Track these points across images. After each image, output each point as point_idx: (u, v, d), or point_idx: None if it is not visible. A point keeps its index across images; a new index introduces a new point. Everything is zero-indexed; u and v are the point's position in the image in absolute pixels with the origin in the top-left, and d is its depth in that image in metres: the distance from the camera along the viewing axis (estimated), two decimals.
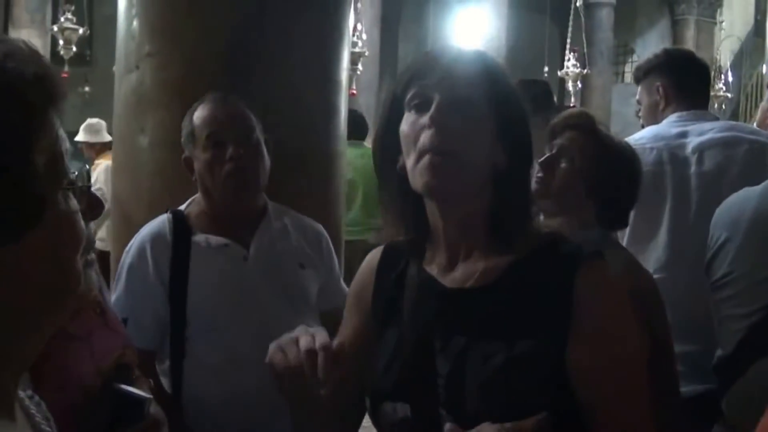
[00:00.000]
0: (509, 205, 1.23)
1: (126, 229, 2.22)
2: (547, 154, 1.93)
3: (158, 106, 2.24)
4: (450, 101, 1.17)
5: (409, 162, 1.19)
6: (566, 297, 1.16)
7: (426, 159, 1.16)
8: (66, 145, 0.74)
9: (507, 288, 1.20)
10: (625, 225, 2.10)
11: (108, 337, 1.42)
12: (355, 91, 10.81)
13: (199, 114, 1.95)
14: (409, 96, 1.21)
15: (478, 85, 1.20)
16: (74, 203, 0.73)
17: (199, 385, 1.90)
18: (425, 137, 1.16)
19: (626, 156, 1.98)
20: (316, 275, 2.06)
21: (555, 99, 3.51)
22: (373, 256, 1.38)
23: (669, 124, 2.58)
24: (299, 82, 2.29)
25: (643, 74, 2.78)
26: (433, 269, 1.26)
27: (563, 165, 1.91)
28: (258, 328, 1.81)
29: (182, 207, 2.02)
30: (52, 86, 0.71)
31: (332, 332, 1.20)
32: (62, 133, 0.73)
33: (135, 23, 2.34)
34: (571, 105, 11.64)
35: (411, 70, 1.25)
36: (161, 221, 1.98)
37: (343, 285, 2.15)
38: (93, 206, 1.02)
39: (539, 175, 1.90)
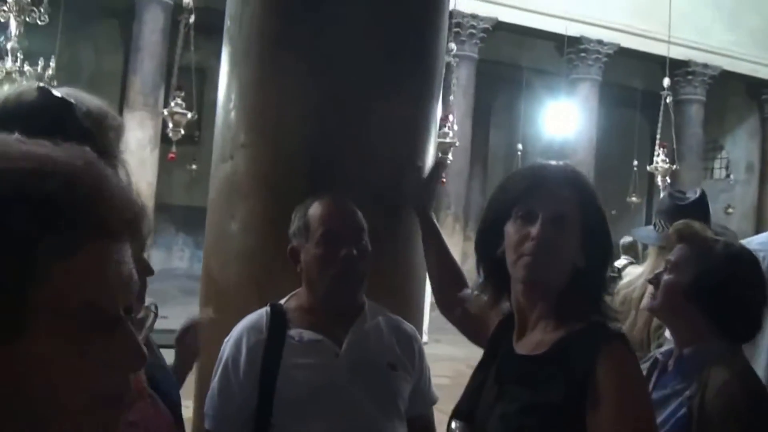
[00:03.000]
0: (578, 296, 1.54)
1: (214, 303, 2.35)
2: (657, 271, 2.04)
3: (249, 195, 2.35)
4: (551, 219, 1.51)
5: (511, 256, 1.55)
6: (589, 373, 1.41)
7: (526, 260, 1.51)
8: (129, 269, 0.72)
9: (551, 360, 1.49)
10: (757, 331, 1.98)
11: (158, 420, 1.45)
12: (444, 179, 10.99)
13: (315, 211, 2.01)
14: (516, 207, 1.56)
15: (572, 203, 1.54)
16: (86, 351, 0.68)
17: None
18: (529, 246, 1.51)
19: (740, 264, 1.94)
20: (406, 378, 2.06)
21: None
22: (498, 320, 1.78)
23: None
24: (386, 172, 2.35)
25: None
26: (513, 335, 1.64)
27: (665, 278, 1.98)
28: (344, 425, 1.87)
29: (283, 300, 2.08)
30: (96, 216, 0.68)
31: None
32: (128, 257, 0.71)
33: (232, 115, 2.45)
34: None
35: (518, 186, 1.60)
36: (260, 314, 2.04)
37: (433, 391, 2.16)
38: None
39: (651, 291, 2.03)
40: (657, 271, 2.03)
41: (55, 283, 0.65)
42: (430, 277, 2.29)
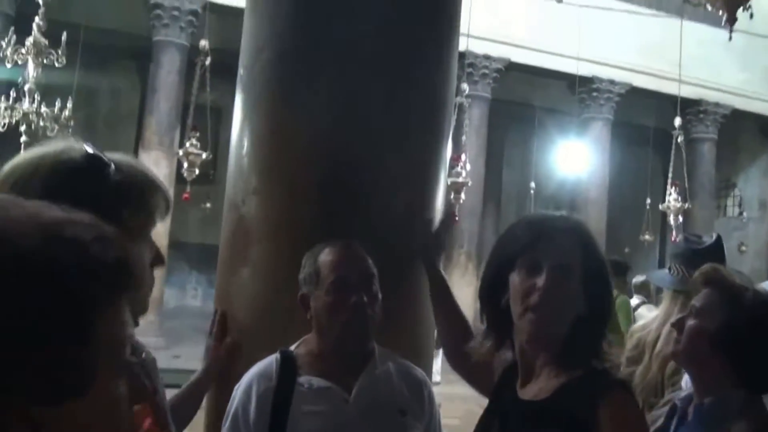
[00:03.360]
0: (579, 344, 1.57)
1: (224, 350, 2.36)
2: (680, 315, 1.99)
3: (260, 240, 2.37)
4: (556, 270, 1.55)
5: (516, 308, 1.59)
6: (591, 419, 1.44)
7: (532, 315, 1.55)
8: (130, 330, 0.79)
9: (553, 405, 1.52)
10: None
11: None
12: (457, 218, 11.00)
13: (325, 258, 2.03)
14: (520, 258, 1.59)
15: (576, 254, 1.58)
16: (123, 390, 0.76)
17: None
18: (535, 297, 1.55)
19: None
20: (416, 424, 2.06)
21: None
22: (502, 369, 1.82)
23: None
24: (396, 219, 2.36)
25: None
26: (517, 382, 1.67)
27: (690, 323, 1.92)
28: None
29: (293, 346, 2.09)
30: (128, 272, 0.76)
31: None
32: (128, 317, 0.78)
33: (245, 161, 2.49)
34: (673, 239, 11.47)
35: (522, 237, 1.63)
36: (270, 361, 2.05)
37: None
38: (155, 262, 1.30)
39: (674, 336, 1.97)
40: (680, 316, 1.98)
41: (107, 332, 0.73)
42: (437, 329, 2.30)
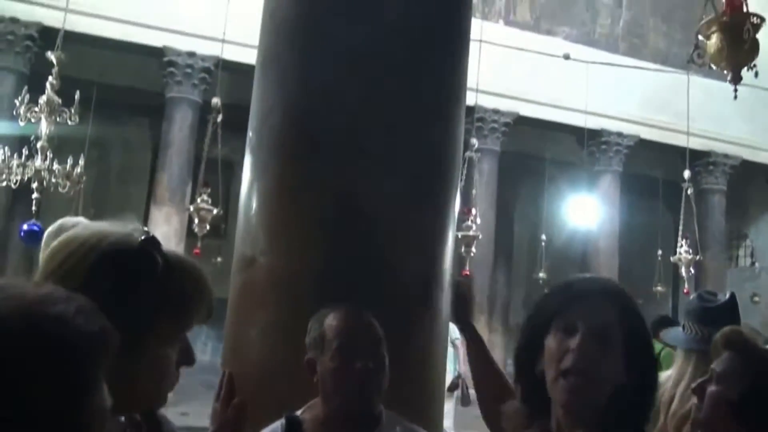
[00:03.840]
0: (620, 418, 1.46)
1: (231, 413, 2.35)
2: (700, 380, 1.86)
3: (268, 303, 2.38)
4: (591, 332, 1.46)
5: (550, 373, 1.49)
6: None
7: (567, 381, 1.45)
8: (108, 401, 0.81)
9: None
10: None
11: None
12: (468, 272, 10.96)
13: (330, 323, 2.02)
14: (555, 320, 1.51)
15: (613, 317, 1.48)
16: None
17: None
18: (569, 360, 1.45)
19: None
20: None
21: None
22: None
23: None
24: (404, 281, 2.37)
25: None
26: None
27: (711, 389, 1.81)
28: None
29: (299, 411, 2.08)
30: (107, 342, 0.80)
31: None
32: (105, 387, 0.80)
33: (253, 222, 2.51)
34: (685, 291, 11.39)
35: (558, 299, 1.56)
36: (275, 427, 2.04)
37: None
38: None
39: (694, 401, 1.85)
40: (701, 380, 1.91)
41: (95, 401, 0.78)
42: (475, 388, 2.28)
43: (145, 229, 1.27)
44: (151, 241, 1.22)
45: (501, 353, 15.76)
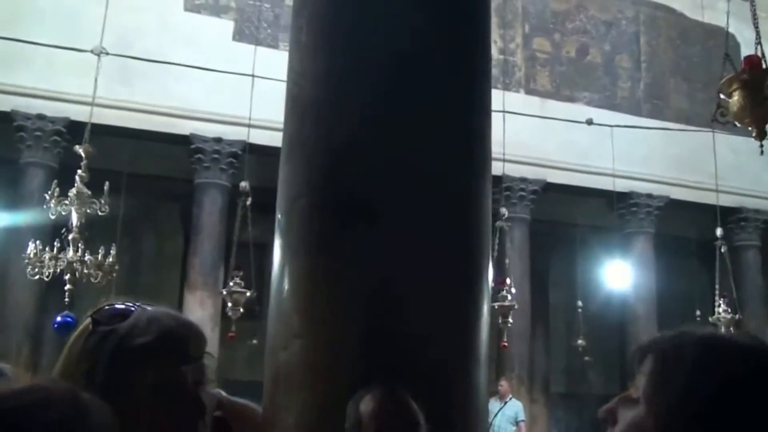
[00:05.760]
0: None
1: None
2: None
3: (303, 387, 2.35)
4: None
5: None
6: None
7: None
8: None
9: None
10: None
11: None
12: (506, 343, 10.79)
13: (366, 406, 2.01)
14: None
15: None
16: None
17: None
18: None
19: None
20: None
21: None
22: None
23: None
24: (441, 358, 2.34)
25: None
26: None
27: None
28: None
29: None
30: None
31: None
32: None
33: (285, 305, 2.50)
34: None
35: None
36: None
37: None
38: None
39: None
40: None
41: None
42: None
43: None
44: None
45: (544, 424, 15.35)
